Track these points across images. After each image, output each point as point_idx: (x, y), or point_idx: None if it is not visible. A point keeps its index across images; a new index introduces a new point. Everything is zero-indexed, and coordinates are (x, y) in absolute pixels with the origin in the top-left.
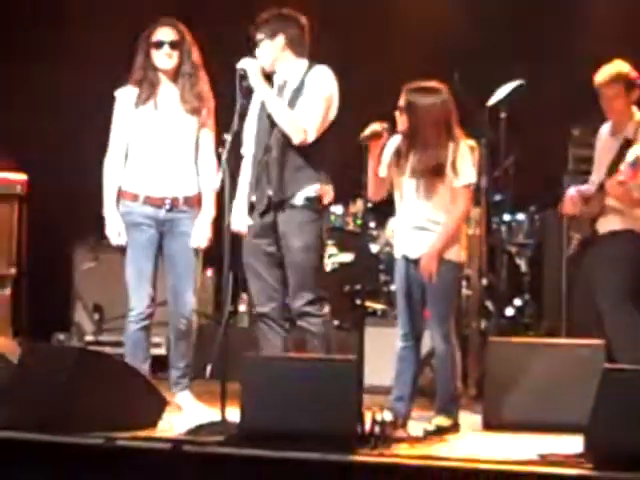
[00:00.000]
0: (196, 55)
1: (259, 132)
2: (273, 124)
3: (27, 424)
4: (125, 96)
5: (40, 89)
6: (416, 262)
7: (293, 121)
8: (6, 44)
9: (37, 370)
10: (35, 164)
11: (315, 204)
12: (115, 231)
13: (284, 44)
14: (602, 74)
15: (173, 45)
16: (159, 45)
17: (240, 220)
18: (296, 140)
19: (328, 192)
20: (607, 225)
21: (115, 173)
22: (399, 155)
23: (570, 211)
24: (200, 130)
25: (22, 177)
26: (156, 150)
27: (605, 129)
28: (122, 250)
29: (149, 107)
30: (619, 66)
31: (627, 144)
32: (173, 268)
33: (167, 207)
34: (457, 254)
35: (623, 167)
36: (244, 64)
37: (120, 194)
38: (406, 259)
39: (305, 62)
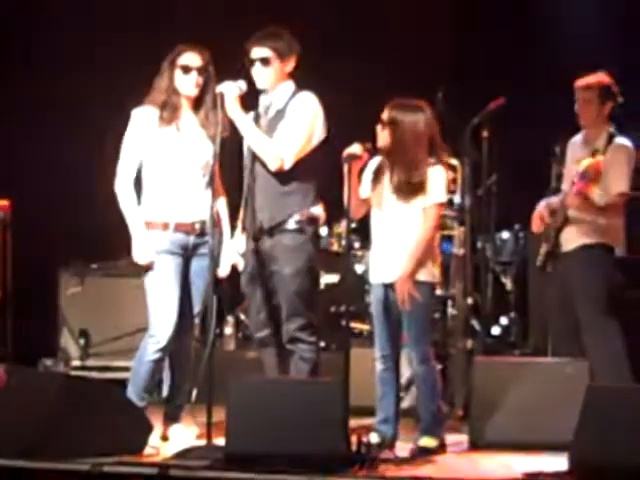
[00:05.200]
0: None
1: (246, 157)
2: None
3: (12, 451)
4: (145, 116)
5: (23, 110)
6: (392, 285)
7: (268, 148)
8: None
9: (22, 396)
10: (18, 187)
11: (304, 228)
12: (143, 250)
13: (292, 68)
14: (583, 79)
15: (200, 71)
16: (186, 70)
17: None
18: (272, 167)
19: (317, 215)
20: (577, 239)
21: (131, 189)
22: (379, 174)
23: (537, 229)
24: (215, 156)
25: (4, 202)
26: (180, 174)
27: (577, 138)
28: (139, 271)
29: (172, 129)
30: (600, 75)
31: (595, 155)
32: (188, 288)
33: (197, 232)
34: (429, 274)
35: (575, 179)
36: (223, 87)
37: (147, 225)
38: (382, 283)
39: (291, 84)
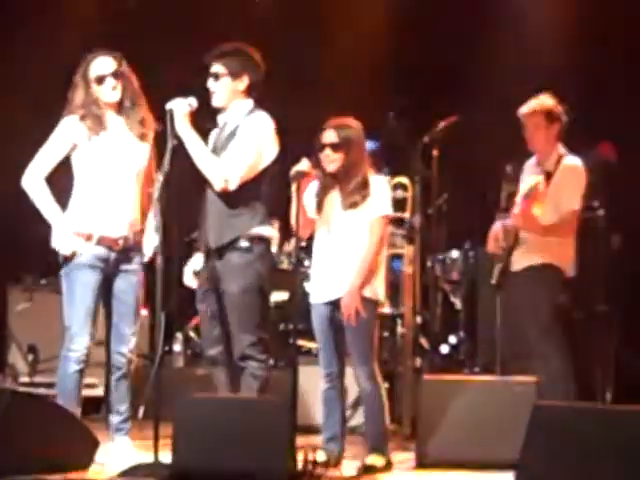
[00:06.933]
0: (135, 82)
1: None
2: None
3: None
4: (74, 126)
5: None
6: (336, 303)
7: (214, 169)
8: None
9: None
10: None
11: (252, 247)
12: (66, 239)
13: (246, 86)
14: (526, 105)
15: (116, 75)
16: (101, 79)
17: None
18: (217, 187)
19: (267, 236)
20: (524, 259)
21: (43, 183)
22: (324, 195)
23: (493, 249)
24: (150, 155)
25: None
26: (110, 184)
27: (530, 162)
28: (56, 287)
29: (101, 138)
30: (543, 99)
31: (547, 177)
32: (118, 306)
33: (119, 248)
34: (373, 291)
35: (518, 199)
36: (173, 104)
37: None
38: (326, 301)
39: (250, 103)
